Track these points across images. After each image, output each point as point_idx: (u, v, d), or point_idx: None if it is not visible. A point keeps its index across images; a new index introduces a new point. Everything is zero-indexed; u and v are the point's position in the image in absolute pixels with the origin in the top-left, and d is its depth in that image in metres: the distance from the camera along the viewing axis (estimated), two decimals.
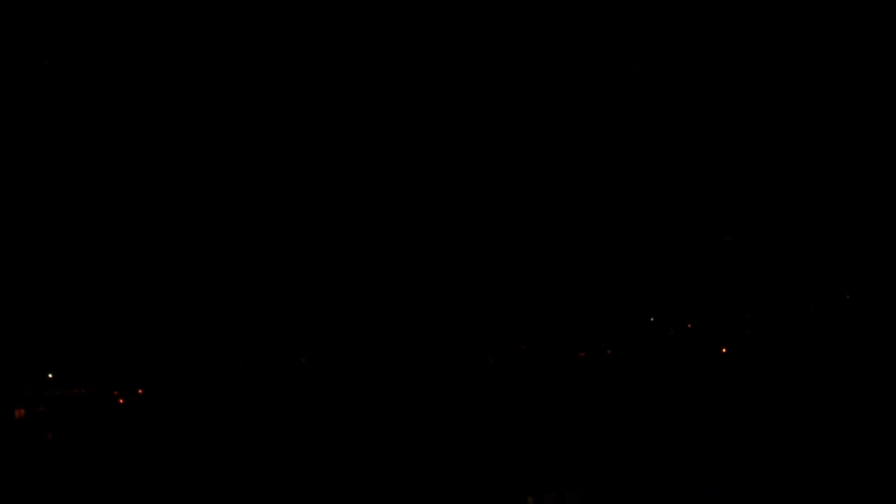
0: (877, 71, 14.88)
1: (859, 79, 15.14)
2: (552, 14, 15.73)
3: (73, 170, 14.90)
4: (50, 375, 14.18)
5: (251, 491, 11.39)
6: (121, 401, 14.07)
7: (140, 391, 14.24)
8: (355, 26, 15.40)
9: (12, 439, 13.00)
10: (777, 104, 15.63)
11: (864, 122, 15.06)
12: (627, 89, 15.83)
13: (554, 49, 15.83)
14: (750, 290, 15.68)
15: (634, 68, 14.51)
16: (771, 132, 15.56)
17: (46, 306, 14.87)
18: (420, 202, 16.05)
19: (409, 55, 15.90)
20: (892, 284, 14.46)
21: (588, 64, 15.99)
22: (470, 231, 16.20)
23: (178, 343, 15.26)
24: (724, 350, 15.27)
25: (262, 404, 14.25)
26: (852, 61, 14.96)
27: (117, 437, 13.05)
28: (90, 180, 15.12)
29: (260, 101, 15.63)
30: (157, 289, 15.38)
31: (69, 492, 11.46)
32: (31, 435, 13.16)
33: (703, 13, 15.57)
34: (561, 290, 16.13)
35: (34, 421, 13.47)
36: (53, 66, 14.08)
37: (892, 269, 14.58)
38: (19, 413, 13.75)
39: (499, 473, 12.19)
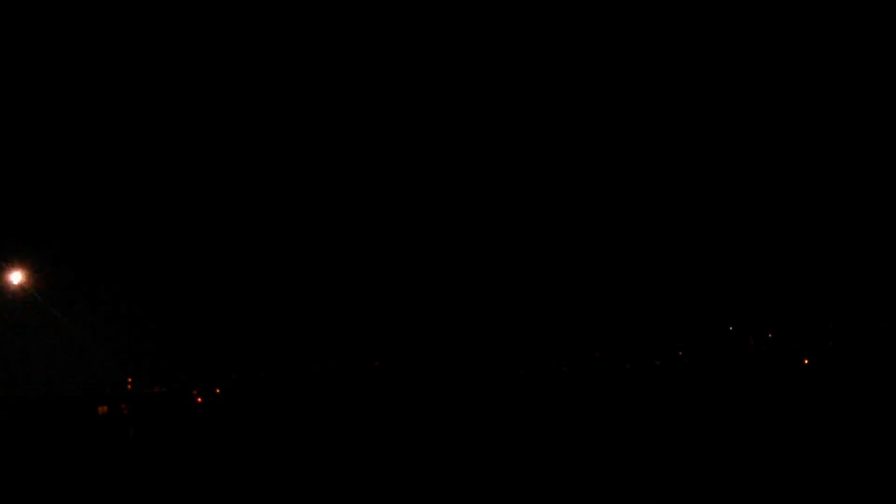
0: None
1: None
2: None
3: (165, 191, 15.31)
4: (132, 376, 14.57)
5: (325, 484, 11.48)
6: (199, 399, 14.40)
7: (217, 391, 14.57)
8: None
9: (96, 435, 13.37)
10: (861, 122, 15.17)
11: None
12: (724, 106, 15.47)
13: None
14: (833, 299, 15.25)
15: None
16: (863, 150, 15.09)
17: (130, 310, 15.31)
18: (497, 214, 16.02)
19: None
20: None
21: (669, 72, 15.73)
22: (550, 242, 16.12)
23: (253, 347, 15.56)
24: (805, 361, 14.85)
25: (338, 404, 14.40)
26: None
27: (196, 434, 13.32)
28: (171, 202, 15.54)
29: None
30: (240, 297, 15.74)
31: (149, 484, 11.71)
32: (113, 431, 13.52)
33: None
34: (638, 298, 15.94)
35: (117, 418, 13.85)
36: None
37: None
38: (102, 410, 14.16)
39: (573, 481, 12.00)
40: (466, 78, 15.95)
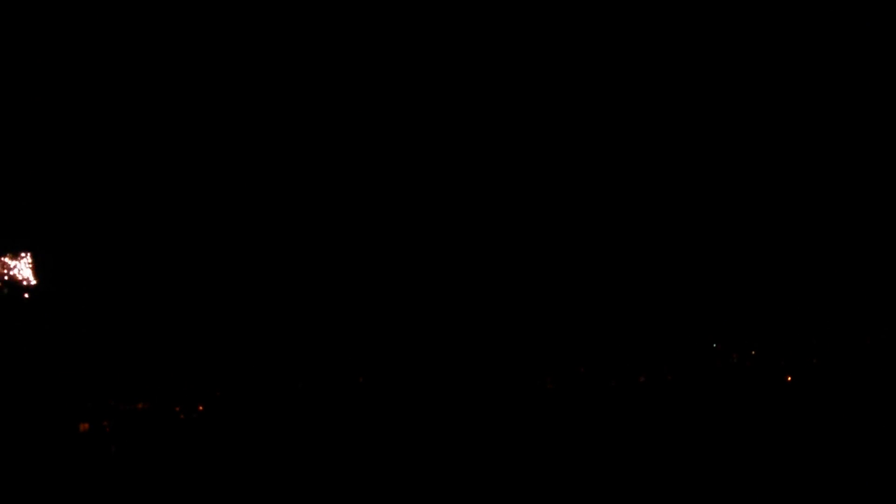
0: None
1: None
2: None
3: (150, 205, 15.20)
4: (114, 391, 14.44)
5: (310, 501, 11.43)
6: (181, 416, 14.30)
7: (200, 408, 14.47)
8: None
9: (77, 452, 13.23)
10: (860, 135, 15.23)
11: None
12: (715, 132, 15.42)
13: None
14: (816, 317, 15.32)
15: None
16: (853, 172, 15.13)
17: (113, 327, 15.17)
18: (487, 231, 15.95)
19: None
20: None
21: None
22: (532, 255, 16.10)
23: (235, 364, 15.49)
24: (788, 378, 14.92)
25: (321, 422, 14.33)
26: None
27: (178, 451, 13.23)
28: (163, 215, 15.43)
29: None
30: (222, 316, 15.66)
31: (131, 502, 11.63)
32: (94, 448, 13.39)
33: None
34: (622, 313, 15.93)
35: (98, 435, 13.71)
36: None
37: None
38: (84, 427, 14.00)
39: (556, 496, 11.97)
40: (466, 78, 15.86)
